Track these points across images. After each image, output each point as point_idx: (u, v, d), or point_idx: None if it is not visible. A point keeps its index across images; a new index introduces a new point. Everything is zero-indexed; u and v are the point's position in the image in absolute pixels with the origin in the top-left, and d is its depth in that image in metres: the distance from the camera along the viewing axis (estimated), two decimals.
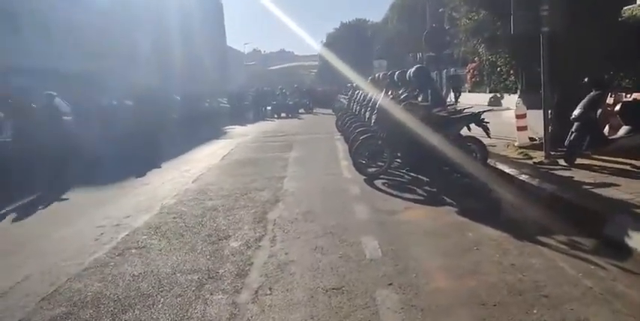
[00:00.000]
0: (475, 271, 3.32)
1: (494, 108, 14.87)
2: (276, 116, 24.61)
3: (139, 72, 26.29)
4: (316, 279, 3.32)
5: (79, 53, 23.28)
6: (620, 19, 9.64)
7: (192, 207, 5.64)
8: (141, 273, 3.59)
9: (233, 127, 18.68)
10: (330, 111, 21.18)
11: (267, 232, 4.45)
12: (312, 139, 12.84)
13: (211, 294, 3.16)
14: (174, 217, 5.19)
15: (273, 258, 3.77)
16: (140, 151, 10.77)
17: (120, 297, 3.18)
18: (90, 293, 3.27)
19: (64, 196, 6.83)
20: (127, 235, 4.61)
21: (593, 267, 3.26)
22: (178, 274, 3.52)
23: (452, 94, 21.80)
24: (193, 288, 3.26)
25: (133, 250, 4.14)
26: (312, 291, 3.13)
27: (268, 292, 3.16)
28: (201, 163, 9.28)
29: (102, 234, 4.69)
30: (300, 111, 26.72)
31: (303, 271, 3.48)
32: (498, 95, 18.74)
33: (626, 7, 11.13)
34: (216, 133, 15.86)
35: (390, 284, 3.16)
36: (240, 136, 15.07)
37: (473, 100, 17.75)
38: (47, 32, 22.32)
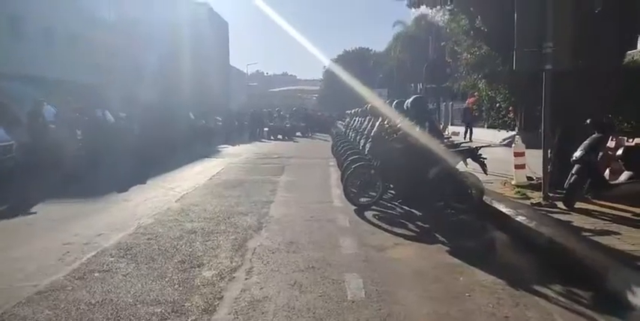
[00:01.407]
0: None
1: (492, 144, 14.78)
2: (272, 138, 24.47)
3: (140, 87, 26.22)
4: (290, 320, 3.00)
5: (82, 65, 23.22)
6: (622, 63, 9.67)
7: (170, 228, 5.32)
8: (98, 301, 3.26)
9: (227, 146, 18.47)
10: (328, 136, 21.06)
11: (244, 262, 4.14)
12: (305, 164, 12.61)
13: None
14: (148, 238, 4.87)
15: (246, 292, 3.46)
16: (128, 165, 10.49)
17: None
18: None
19: (33, 210, 6.42)
20: (94, 255, 4.28)
21: None
22: (139, 306, 3.19)
23: (461, 130, 20.33)
24: None
25: (96, 274, 3.81)
26: None
27: None
28: (188, 181, 8.99)
29: (67, 253, 4.36)
30: (297, 134, 26.62)
31: (277, 310, 3.16)
32: (516, 136, 17.95)
33: (631, 52, 11.17)
34: (209, 152, 15.62)
35: None
36: (233, 156, 14.83)
37: (487, 137, 17.46)
38: (50, 42, 22.30)
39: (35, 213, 6.26)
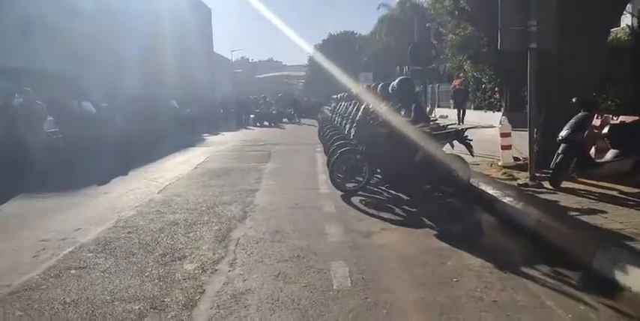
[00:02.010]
0: (453, 308, 2.95)
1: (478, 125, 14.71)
2: (258, 125, 24.21)
3: (123, 77, 25.62)
4: (274, 313, 2.91)
5: (62, 56, 22.56)
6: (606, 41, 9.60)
7: (152, 221, 5.18)
8: (74, 300, 3.13)
9: (213, 134, 18.22)
10: (315, 122, 20.87)
11: (227, 254, 4.03)
12: (292, 150, 12.47)
13: None
14: (128, 232, 4.72)
15: (228, 285, 3.35)
16: (109, 157, 10.24)
17: None
18: None
19: (7, 206, 6.20)
20: (71, 251, 4.14)
21: (583, 307, 2.92)
22: (117, 303, 3.07)
23: (454, 113, 18.90)
24: None
25: (73, 271, 3.67)
26: None
27: None
28: (171, 172, 8.81)
29: (43, 249, 4.21)
30: (283, 120, 26.37)
31: (261, 302, 3.06)
32: (502, 117, 17.09)
33: (614, 29, 11.11)
34: (194, 141, 15.37)
35: None
36: (219, 144, 14.62)
37: (474, 119, 16.97)
38: (29, 33, 21.59)
39: (9, 209, 6.04)
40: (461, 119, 17.34)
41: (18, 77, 17.98)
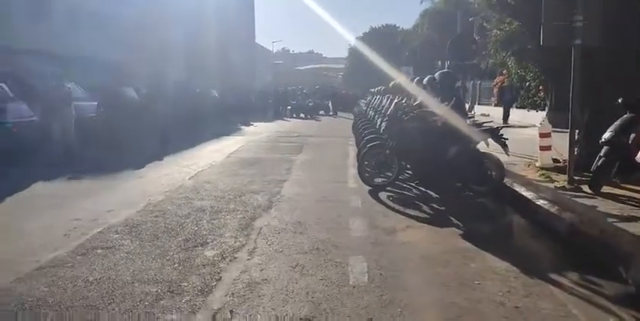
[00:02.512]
0: (472, 311, 2.85)
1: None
2: (294, 116, 24.28)
3: (166, 64, 26.26)
4: (286, 305, 2.89)
5: (109, 43, 23.32)
6: None
7: (180, 206, 5.28)
8: (96, 279, 3.22)
9: (249, 124, 18.43)
10: (351, 115, 20.73)
11: (248, 242, 4.05)
12: (325, 143, 12.45)
13: (163, 312, 2.77)
14: (156, 216, 4.83)
15: (245, 274, 3.37)
16: (147, 142, 10.51)
17: (61, 306, 2.82)
18: (30, 299, 2.91)
19: (46, 186, 6.45)
20: (100, 232, 4.27)
21: (612, 319, 2.76)
22: (136, 284, 3.14)
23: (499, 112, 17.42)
24: (146, 303, 2.88)
25: (99, 251, 3.79)
26: (278, 319, 2.71)
27: (228, 315, 2.75)
28: (204, 159, 8.96)
29: (74, 228, 4.36)
30: (320, 113, 26.34)
31: (275, 293, 3.06)
32: (543, 117, 15.23)
33: None
34: (230, 130, 15.58)
35: (370, 319, 2.72)
36: (253, 134, 14.77)
37: (526, 119, 15.54)
38: (77, 21, 22.43)
39: (46, 190, 6.30)
40: (506, 119, 16.18)
41: (67, 64, 18.74)
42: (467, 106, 16.34)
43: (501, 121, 15.20)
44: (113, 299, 2.92)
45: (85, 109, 11.14)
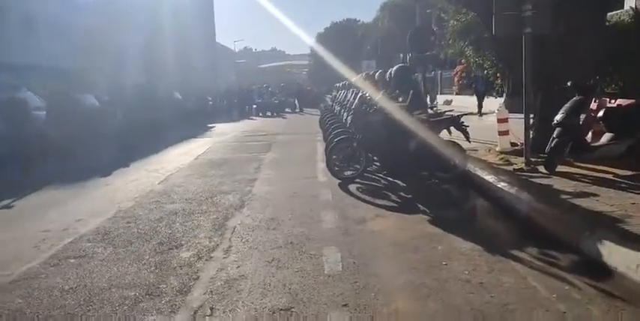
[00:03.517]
0: (440, 290, 3.02)
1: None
2: (260, 115, 24.21)
3: (126, 69, 25.67)
4: (265, 298, 2.99)
5: (65, 50, 22.59)
6: (607, 24, 9.48)
7: (151, 211, 5.27)
8: (72, 287, 3.23)
9: (215, 125, 18.29)
10: (318, 111, 20.86)
11: (223, 242, 4.11)
12: (292, 140, 12.52)
13: (144, 315, 2.81)
14: (127, 222, 4.82)
15: (222, 272, 3.44)
16: (111, 149, 10.33)
17: (39, 317, 2.82)
18: (6, 311, 2.90)
19: (11, 198, 6.24)
20: (71, 241, 4.24)
21: (567, 287, 2.98)
22: (114, 290, 3.17)
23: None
24: (125, 307, 2.91)
25: (72, 260, 3.77)
26: (258, 312, 2.80)
27: (208, 312, 2.82)
28: (172, 163, 8.89)
29: (44, 240, 4.31)
30: (286, 110, 26.36)
31: (253, 287, 3.15)
32: (500, 103, 14.11)
33: (612, 13, 10.97)
34: (196, 132, 15.44)
35: (345, 305, 2.85)
36: (220, 134, 14.69)
37: (486, 106, 15.66)
38: (32, 29, 21.62)
39: (13, 201, 6.15)
40: (480, 109, 16.02)
41: (23, 73, 18.09)
42: (428, 96, 16.80)
43: (478, 112, 15.07)
44: (91, 306, 2.94)
45: (41, 119, 10.82)
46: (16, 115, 9.14)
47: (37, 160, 8.68)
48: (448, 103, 19.54)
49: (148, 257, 3.78)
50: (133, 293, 3.10)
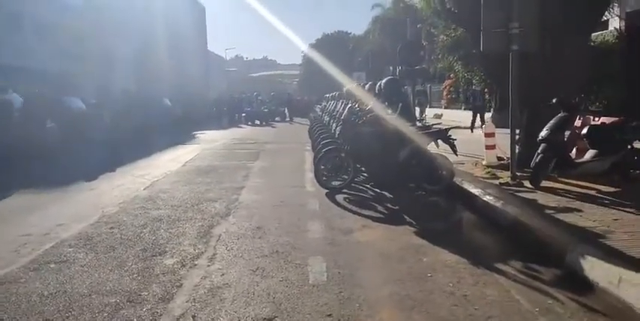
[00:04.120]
0: (425, 302, 3.01)
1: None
2: (249, 124, 24.14)
3: (114, 74, 25.55)
4: (248, 307, 2.96)
5: (52, 53, 22.40)
6: (592, 44, 9.72)
7: (136, 217, 5.21)
8: (51, 293, 3.16)
9: (204, 132, 18.22)
10: (307, 121, 20.91)
11: (207, 249, 4.07)
12: (281, 149, 12.52)
13: None
14: (111, 228, 4.75)
15: (206, 280, 3.40)
16: (97, 153, 10.23)
17: None
18: None
19: None
20: (52, 246, 4.16)
21: (550, 301, 3.00)
22: (94, 296, 3.11)
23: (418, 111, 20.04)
24: (105, 314, 2.86)
25: (52, 265, 3.70)
26: None
27: (190, 320, 2.79)
28: (159, 168, 8.82)
29: (24, 244, 4.23)
30: (276, 119, 26.37)
31: (236, 296, 3.11)
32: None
33: (597, 33, 11.26)
34: (185, 138, 15.37)
35: (329, 315, 2.83)
36: (209, 142, 14.63)
37: (466, 120, 15.07)
38: (19, 30, 21.43)
39: None
40: (474, 126, 14.17)
41: (8, 74, 17.89)
42: (417, 109, 16.94)
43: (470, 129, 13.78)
44: (71, 312, 2.88)
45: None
46: (0, 116, 8.99)
47: (20, 163, 8.53)
48: (438, 116, 19.69)
49: (130, 264, 3.73)
50: (113, 300, 3.05)
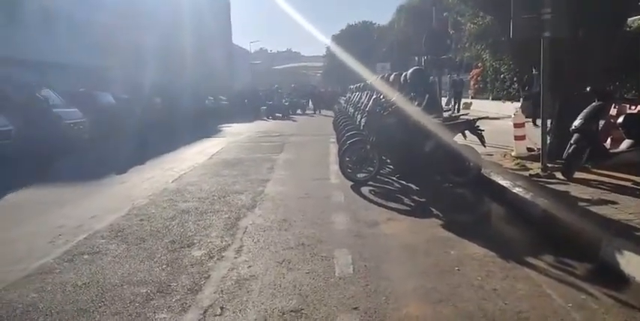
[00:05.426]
0: (452, 295, 2.97)
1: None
2: (271, 117, 24.14)
3: (144, 68, 25.97)
4: (275, 298, 2.98)
5: (85, 48, 22.92)
6: (627, 29, 9.32)
7: (164, 209, 5.31)
8: (85, 283, 3.26)
9: (229, 125, 18.40)
10: (332, 113, 20.83)
11: (234, 241, 4.12)
12: (306, 141, 12.53)
13: (154, 312, 2.82)
14: (141, 220, 4.86)
15: (233, 271, 3.44)
16: (128, 147, 10.47)
17: (52, 311, 2.85)
18: (20, 305, 2.94)
19: (28, 194, 6.40)
20: (85, 238, 4.29)
21: (584, 297, 2.91)
22: (125, 286, 3.19)
23: (453, 102, 19.92)
24: (137, 304, 2.93)
25: (86, 256, 3.81)
26: (267, 313, 2.79)
27: (218, 312, 2.82)
28: (187, 161, 8.96)
29: (59, 235, 4.37)
30: (297, 112, 26.35)
31: (263, 288, 3.14)
32: (516, 108, 11.63)
33: (633, 18, 10.77)
34: (211, 131, 15.56)
35: (356, 308, 2.82)
36: (234, 135, 14.77)
37: (502, 111, 14.86)
38: (51, 27, 21.99)
39: (30, 197, 6.26)
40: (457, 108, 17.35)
41: (42, 70, 18.44)
42: (443, 99, 16.67)
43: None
44: (103, 302, 2.97)
45: (62, 116, 11.01)
46: (36, 113, 9.28)
47: (55, 157, 8.81)
48: (468, 106, 19.25)
49: (160, 255, 3.80)
50: (144, 290, 3.12)
